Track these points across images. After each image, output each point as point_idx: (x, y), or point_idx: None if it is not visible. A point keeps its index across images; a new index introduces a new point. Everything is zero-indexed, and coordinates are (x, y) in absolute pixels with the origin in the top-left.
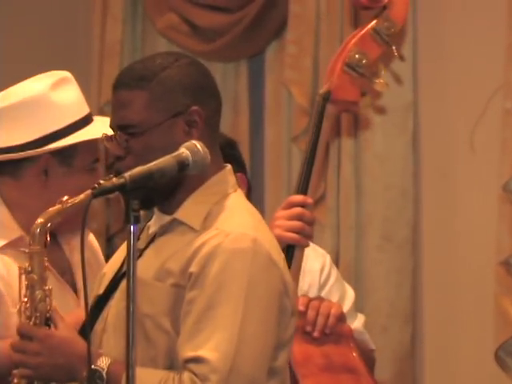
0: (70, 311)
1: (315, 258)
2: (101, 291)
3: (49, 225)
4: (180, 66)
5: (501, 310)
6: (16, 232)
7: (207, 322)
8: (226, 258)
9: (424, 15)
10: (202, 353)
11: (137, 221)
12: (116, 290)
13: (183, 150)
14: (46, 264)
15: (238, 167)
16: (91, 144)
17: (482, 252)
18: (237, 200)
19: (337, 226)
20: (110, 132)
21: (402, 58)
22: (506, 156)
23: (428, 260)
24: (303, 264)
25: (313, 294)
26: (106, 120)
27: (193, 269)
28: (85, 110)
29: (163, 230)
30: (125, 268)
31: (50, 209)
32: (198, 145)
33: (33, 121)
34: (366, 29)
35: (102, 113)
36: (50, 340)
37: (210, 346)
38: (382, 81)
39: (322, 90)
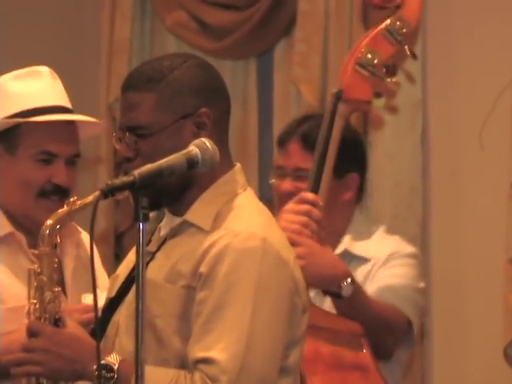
0: None
1: (394, 245)
2: (113, 294)
3: (58, 226)
4: (188, 68)
5: (509, 307)
6: None
7: (217, 322)
8: (235, 257)
9: (433, 13)
10: (211, 354)
11: (146, 218)
12: (128, 293)
13: (192, 148)
14: (56, 265)
15: (357, 168)
16: (37, 133)
17: (490, 249)
18: (246, 199)
19: None
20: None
21: (414, 57)
22: None
23: (437, 257)
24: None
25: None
26: (79, 116)
27: (202, 269)
28: (50, 101)
29: (174, 233)
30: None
31: (59, 210)
32: (207, 142)
33: None
34: (378, 28)
35: (110, 110)
36: (58, 336)
37: (219, 347)
38: (394, 80)
39: (335, 89)
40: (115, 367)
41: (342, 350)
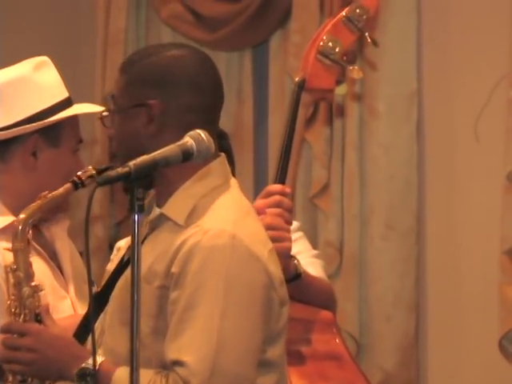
0: (59, 294)
1: None
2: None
3: (31, 220)
4: (163, 57)
5: (505, 300)
6: (7, 218)
7: (188, 322)
8: (204, 256)
9: (428, 4)
10: (182, 356)
11: (141, 210)
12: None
13: (188, 139)
14: (31, 260)
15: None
16: (74, 123)
17: (486, 241)
18: (225, 192)
19: (341, 216)
20: (92, 110)
21: (375, 44)
22: (510, 145)
23: (432, 249)
24: None
25: None
26: (87, 105)
27: (174, 269)
28: (66, 93)
29: (153, 226)
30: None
31: (31, 205)
32: (203, 134)
33: (19, 101)
34: (338, 16)
35: (105, 101)
36: (43, 335)
37: (190, 349)
38: (356, 67)
39: (297, 78)
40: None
41: (315, 340)
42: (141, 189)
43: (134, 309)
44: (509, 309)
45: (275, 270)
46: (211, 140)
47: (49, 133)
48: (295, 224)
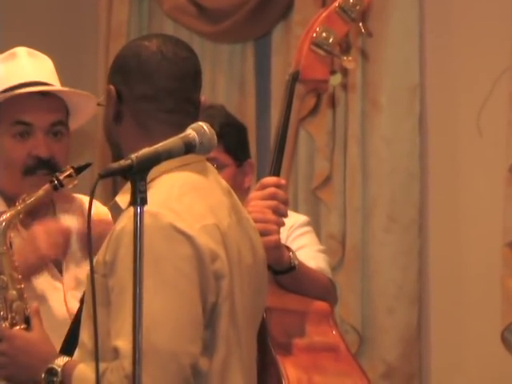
0: (51, 288)
1: (288, 220)
2: None
3: (11, 224)
4: (129, 45)
5: (507, 292)
6: None
7: (120, 308)
8: (129, 240)
9: None
10: (116, 342)
11: (143, 202)
12: None
13: (190, 132)
14: (16, 264)
15: (249, 153)
16: (10, 107)
17: (488, 234)
18: (172, 174)
19: (343, 208)
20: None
21: (370, 34)
22: None
23: (434, 242)
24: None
25: None
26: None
27: (107, 257)
28: (18, 80)
29: (112, 214)
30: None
31: (11, 208)
32: (205, 126)
33: None
34: (332, 6)
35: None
36: (15, 340)
37: (121, 333)
38: (350, 58)
39: (291, 69)
40: (59, 370)
41: (311, 332)
42: (143, 181)
43: (135, 306)
44: (511, 301)
45: (206, 243)
46: (213, 132)
47: None
48: (304, 218)
